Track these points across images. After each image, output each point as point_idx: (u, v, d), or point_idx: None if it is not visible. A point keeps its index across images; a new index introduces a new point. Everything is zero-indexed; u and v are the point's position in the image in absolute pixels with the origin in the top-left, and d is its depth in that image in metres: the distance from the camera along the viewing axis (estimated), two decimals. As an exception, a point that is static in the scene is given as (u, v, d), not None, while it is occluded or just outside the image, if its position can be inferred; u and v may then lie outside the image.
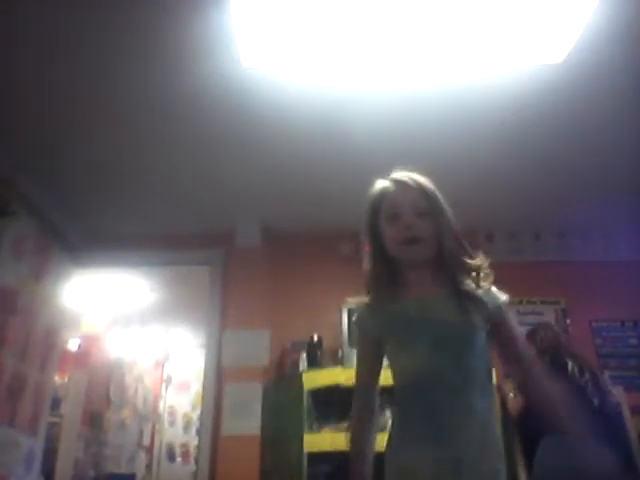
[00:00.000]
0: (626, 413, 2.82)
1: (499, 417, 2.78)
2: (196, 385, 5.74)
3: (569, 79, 2.31)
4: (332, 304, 3.28)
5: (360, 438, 1.31)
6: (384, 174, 1.39)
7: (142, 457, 5.50)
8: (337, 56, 2.16)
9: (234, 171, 2.97)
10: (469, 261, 1.29)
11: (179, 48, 2.16)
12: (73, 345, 4.31)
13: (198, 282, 3.52)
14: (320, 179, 3.01)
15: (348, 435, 1.34)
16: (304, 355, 3.00)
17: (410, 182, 1.31)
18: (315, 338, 3.03)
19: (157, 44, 2.14)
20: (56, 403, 3.90)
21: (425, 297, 1.27)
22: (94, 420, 4.35)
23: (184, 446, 5.95)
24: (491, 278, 1.31)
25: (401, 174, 1.34)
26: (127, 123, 2.60)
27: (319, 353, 3.00)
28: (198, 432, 3.23)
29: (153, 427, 5.84)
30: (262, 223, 3.45)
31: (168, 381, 6.20)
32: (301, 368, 2.96)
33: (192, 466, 5.41)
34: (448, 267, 1.27)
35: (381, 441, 1.31)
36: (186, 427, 6.05)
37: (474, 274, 1.28)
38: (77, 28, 2.07)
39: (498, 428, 1.26)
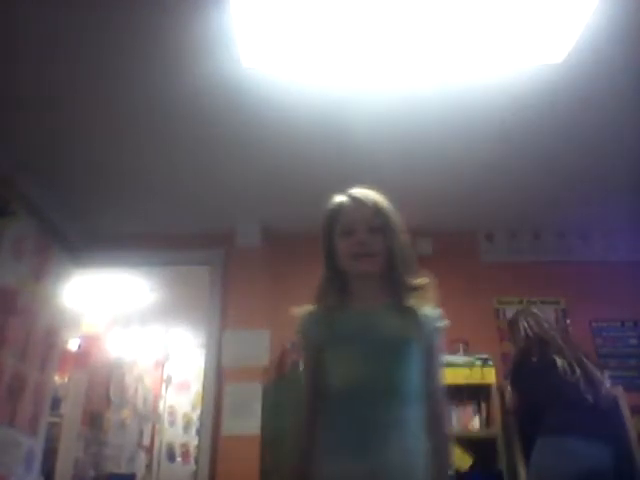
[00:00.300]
0: (626, 412, 2.81)
1: (498, 418, 2.80)
2: (196, 385, 5.74)
3: (569, 79, 2.31)
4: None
5: (307, 438, 1.33)
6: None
7: (142, 457, 5.50)
8: (337, 56, 2.16)
9: (234, 171, 2.97)
10: (413, 279, 1.33)
11: (179, 48, 2.16)
12: (73, 345, 4.31)
13: (198, 282, 3.52)
14: (320, 179, 3.01)
15: (293, 433, 1.37)
16: (304, 355, 3.00)
17: (365, 199, 1.36)
18: (315, 338, 3.03)
19: (157, 44, 2.14)
20: (56, 403, 3.89)
21: (368, 309, 1.31)
22: (94, 420, 4.35)
23: (184, 446, 5.95)
24: (434, 299, 1.34)
25: (358, 191, 1.39)
26: (127, 123, 2.60)
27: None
28: (198, 432, 3.23)
29: (153, 427, 5.84)
30: (262, 223, 3.45)
31: (168, 381, 6.20)
32: (301, 368, 2.96)
33: (192, 466, 5.41)
34: (394, 282, 1.32)
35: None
36: (186, 427, 6.05)
37: (417, 292, 1.32)
38: (77, 28, 2.07)
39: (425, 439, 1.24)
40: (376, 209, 1.34)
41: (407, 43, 2.10)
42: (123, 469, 4.91)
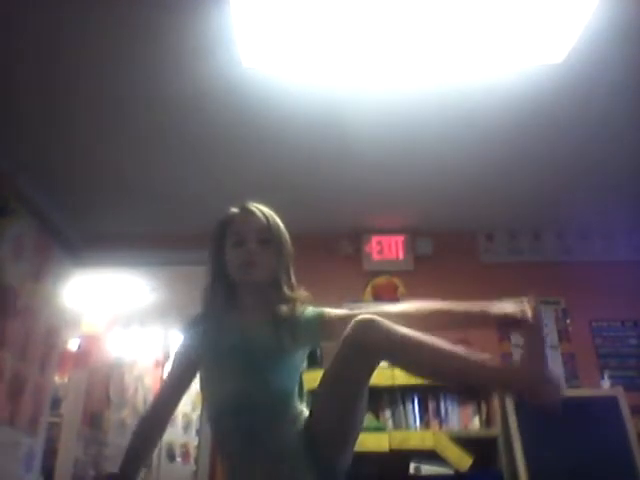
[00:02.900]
0: (626, 413, 2.81)
1: (498, 418, 2.80)
2: (196, 385, 5.73)
3: (569, 79, 2.31)
4: (332, 304, 3.27)
5: (150, 432, 1.44)
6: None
7: (142, 457, 5.49)
8: (337, 56, 2.16)
9: (234, 171, 2.96)
10: (288, 292, 1.37)
11: (179, 48, 2.16)
12: (73, 345, 4.31)
13: (198, 282, 3.50)
14: (320, 179, 3.01)
15: (139, 421, 1.43)
16: (304, 355, 3.00)
17: (257, 212, 1.43)
18: (315, 338, 3.02)
19: (157, 44, 2.14)
20: (56, 403, 3.89)
21: (246, 321, 1.34)
22: (94, 420, 4.35)
23: (184, 446, 5.94)
24: (307, 303, 1.38)
25: (251, 204, 1.46)
26: (127, 123, 2.60)
27: (319, 353, 3.00)
28: (198, 432, 3.23)
29: (153, 427, 5.83)
30: (262, 223, 3.44)
31: (168, 381, 6.18)
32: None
33: (192, 466, 5.41)
34: (276, 293, 1.36)
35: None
36: (186, 427, 6.04)
37: (292, 304, 1.35)
38: (77, 28, 2.07)
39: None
40: (267, 222, 1.40)
41: (407, 43, 2.10)
42: (123, 469, 4.89)
